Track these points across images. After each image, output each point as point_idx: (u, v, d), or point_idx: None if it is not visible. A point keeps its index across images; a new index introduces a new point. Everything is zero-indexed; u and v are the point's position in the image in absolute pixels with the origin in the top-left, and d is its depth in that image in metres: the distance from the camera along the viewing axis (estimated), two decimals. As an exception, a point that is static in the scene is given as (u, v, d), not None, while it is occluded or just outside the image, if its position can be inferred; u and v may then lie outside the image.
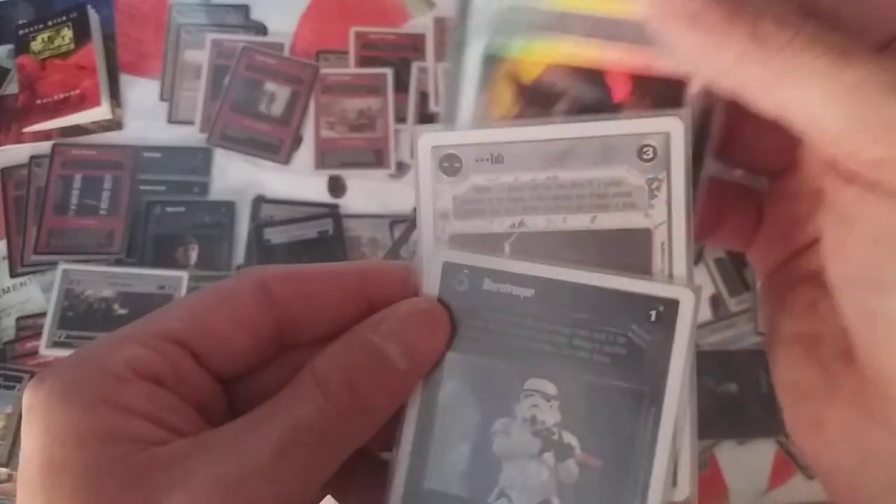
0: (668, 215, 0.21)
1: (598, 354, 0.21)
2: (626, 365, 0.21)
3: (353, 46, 0.68)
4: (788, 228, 0.23)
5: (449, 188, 0.23)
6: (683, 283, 0.21)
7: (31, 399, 0.19)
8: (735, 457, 0.57)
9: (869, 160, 0.18)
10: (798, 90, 0.18)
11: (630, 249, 0.21)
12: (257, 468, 0.18)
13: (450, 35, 0.23)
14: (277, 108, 0.66)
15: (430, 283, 0.22)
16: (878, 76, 0.17)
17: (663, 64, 0.21)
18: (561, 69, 0.22)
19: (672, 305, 0.21)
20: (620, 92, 0.22)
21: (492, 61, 0.22)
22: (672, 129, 0.21)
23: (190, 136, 0.65)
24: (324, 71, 0.67)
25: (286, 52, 0.68)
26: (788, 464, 0.57)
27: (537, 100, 0.22)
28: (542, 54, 0.22)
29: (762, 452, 0.57)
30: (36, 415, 0.19)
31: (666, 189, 0.21)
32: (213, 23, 0.69)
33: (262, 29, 0.69)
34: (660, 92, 0.21)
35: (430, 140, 0.23)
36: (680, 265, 0.21)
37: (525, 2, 0.22)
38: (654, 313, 0.21)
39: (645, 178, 0.21)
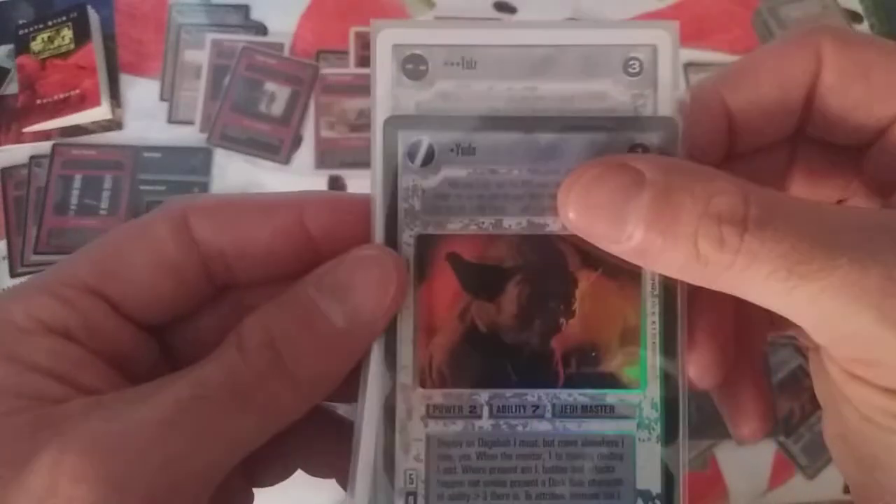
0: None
1: None
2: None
3: (353, 46, 0.68)
4: None
5: (412, 94, 0.20)
6: (661, 27, 0.19)
7: None
8: (735, 457, 0.57)
9: (842, 358, 0.18)
10: (760, 301, 0.17)
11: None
12: (145, 424, 0.17)
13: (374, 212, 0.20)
14: (277, 108, 0.66)
15: (381, 79, 0.19)
16: (834, 285, 0.16)
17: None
18: (506, 242, 0.20)
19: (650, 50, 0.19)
20: (574, 263, 0.20)
21: (428, 243, 0.20)
22: (659, 41, 0.19)
23: (190, 136, 0.65)
24: (324, 71, 0.67)
25: (286, 52, 0.68)
26: (788, 464, 0.57)
27: (486, 282, 0.20)
28: (481, 228, 0.20)
29: (762, 452, 0.57)
30: None
31: (651, 107, 0.20)
32: (213, 23, 0.69)
33: (262, 29, 0.69)
34: (611, 260, 0.19)
35: (391, 37, 0.19)
36: None
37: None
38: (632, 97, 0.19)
39: (630, 93, 0.20)
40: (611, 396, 0.20)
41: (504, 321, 0.20)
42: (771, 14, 0.70)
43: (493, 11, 0.70)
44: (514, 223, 0.20)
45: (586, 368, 0.20)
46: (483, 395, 0.20)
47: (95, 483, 0.16)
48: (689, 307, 0.20)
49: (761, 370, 0.23)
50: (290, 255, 0.20)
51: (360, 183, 0.64)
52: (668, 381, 0.20)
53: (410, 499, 0.19)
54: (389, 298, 0.19)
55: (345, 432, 0.20)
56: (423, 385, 0.20)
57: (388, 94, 0.20)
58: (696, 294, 0.20)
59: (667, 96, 0.19)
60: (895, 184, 0.20)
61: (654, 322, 0.20)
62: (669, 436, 0.20)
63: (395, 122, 0.19)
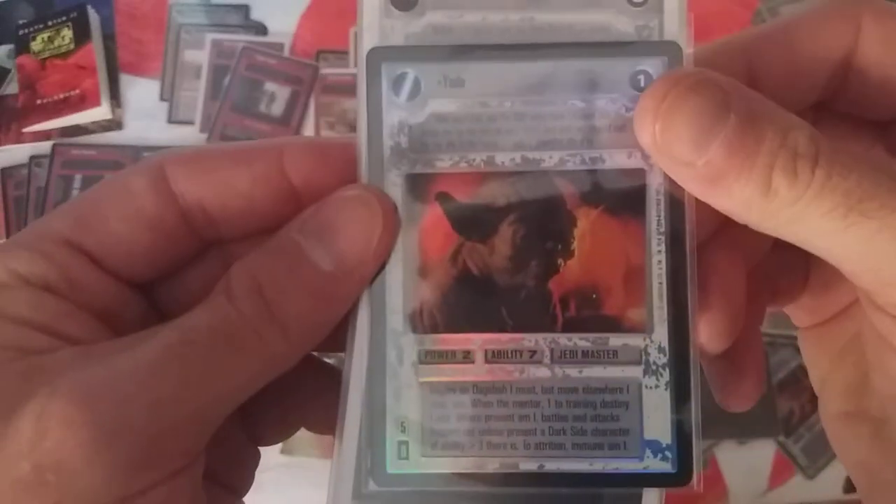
0: None
1: None
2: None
3: (353, 46, 0.68)
4: (835, 285, 0.22)
5: (400, 25, 0.18)
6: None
7: None
8: (735, 457, 0.57)
9: (891, 303, 0.18)
10: (811, 240, 0.17)
11: None
12: (134, 370, 0.16)
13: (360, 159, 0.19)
14: (277, 108, 0.66)
15: (367, 18, 0.18)
16: (893, 225, 0.16)
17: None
18: (499, 180, 0.18)
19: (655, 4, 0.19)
20: (573, 200, 0.19)
21: (417, 182, 0.19)
22: None
23: (190, 136, 0.65)
24: (324, 71, 0.67)
25: (286, 52, 0.68)
26: (788, 464, 0.57)
27: (478, 222, 0.19)
28: (472, 165, 0.18)
29: (762, 452, 0.57)
30: None
31: (656, 35, 0.19)
32: (213, 23, 0.69)
33: (262, 29, 0.69)
34: (617, 191, 0.18)
35: None
36: None
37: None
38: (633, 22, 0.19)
39: (634, 24, 0.18)
40: (614, 340, 0.18)
41: (498, 263, 0.19)
42: (771, 14, 0.70)
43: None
44: (507, 159, 0.18)
45: (587, 311, 0.19)
46: (477, 340, 0.19)
47: (84, 426, 0.15)
48: (702, 269, 0.19)
49: (759, 340, 0.23)
50: (271, 204, 0.19)
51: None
52: (676, 323, 0.18)
53: (402, 448, 0.18)
54: (376, 240, 0.18)
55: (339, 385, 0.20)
56: (414, 330, 0.19)
57: (374, 24, 0.18)
58: (710, 255, 0.19)
59: (672, 20, 0.18)
60: None
61: (659, 262, 0.18)
62: (681, 383, 0.18)
63: (378, 54, 0.18)
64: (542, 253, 0.19)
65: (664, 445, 0.18)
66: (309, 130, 0.65)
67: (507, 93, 0.18)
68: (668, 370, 0.18)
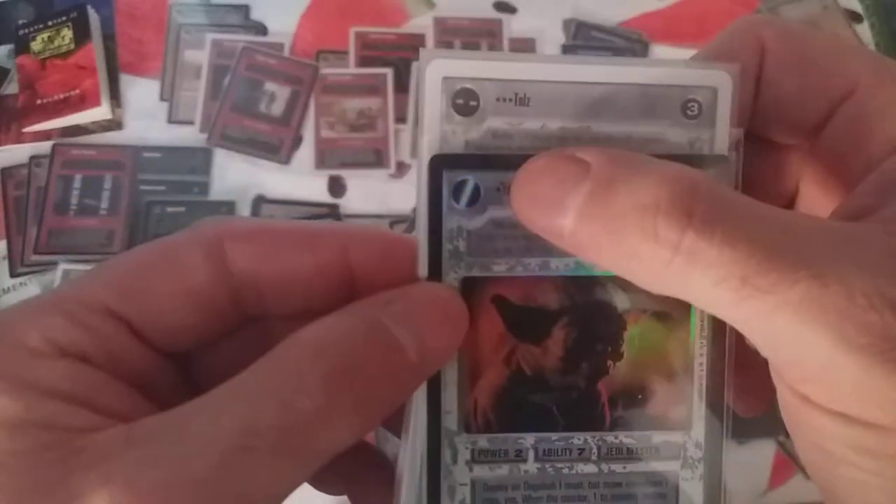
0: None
1: None
2: None
3: (353, 46, 0.68)
4: None
5: (461, 130, 0.19)
6: (723, 68, 0.18)
7: None
8: (735, 457, 0.56)
9: (793, 378, 0.16)
10: (708, 310, 0.17)
11: None
12: (191, 475, 0.15)
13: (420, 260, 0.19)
14: (277, 108, 0.66)
15: (430, 113, 0.18)
16: (791, 301, 0.15)
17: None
18: (552, 284, 0.19)
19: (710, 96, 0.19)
20: (622, 305, 0.19)
21: (474, 285, 0.19)
22: (720, 84, 0.19)
23: (190, 136, 0.65)
24: (324, 71, 0.67)
25: (286, 52, 0.68)
26: (788, 464, 0.57)
27: (532, 325, 0.19)
28: (529, 271, 0.19)
29: (762, 452, 0.57)
30: None
31: (708, 149, 0.19)
32: (213, 23, 0.69)
33: (262, 29, 0.69)
34: (661, 302, 0.19)
35: (441, 68, 0.18)
36: None
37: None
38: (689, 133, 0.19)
39: (687, 136, 0.19)
40: (656, 437, 0.20)
41: (550, 364, 0.19)
42: (771, 14, 0.70)
43: (493, 11, 0.71)
44: (560, 264, 0.19)
45: (633, 410, 0.20)
46: (529, 439, 0.19)
47: None
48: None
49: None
50: (327, 291, 0.19)
51: (359, 182, 0.64)
52: (711, 420, 0.19)
53: None
54: (459, 334, 0.18)
55: (362, 450, 0.20)
56: (468, 430, 0.19)
57: (436, 129, 0.19)
58: None
59: (724, 135, 0.19)
60: (841, 181, 0.19)
61: (701, 364, 0.19)
62: (712, 473, 0.20)
63: (441, 161, 0.18)
64: (593, 355, 0.19)
65: None
66: (309, 130, 0.66)
67: None
68: (702, 463, 0.19)
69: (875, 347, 0.14)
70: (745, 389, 0.21)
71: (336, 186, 0.64)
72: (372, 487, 0.21)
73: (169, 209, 0.63)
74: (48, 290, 0.18)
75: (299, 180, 0.64)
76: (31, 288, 0.62)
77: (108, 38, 0.68)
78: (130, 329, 0.18)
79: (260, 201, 0.64)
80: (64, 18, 0.67)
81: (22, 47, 0.67)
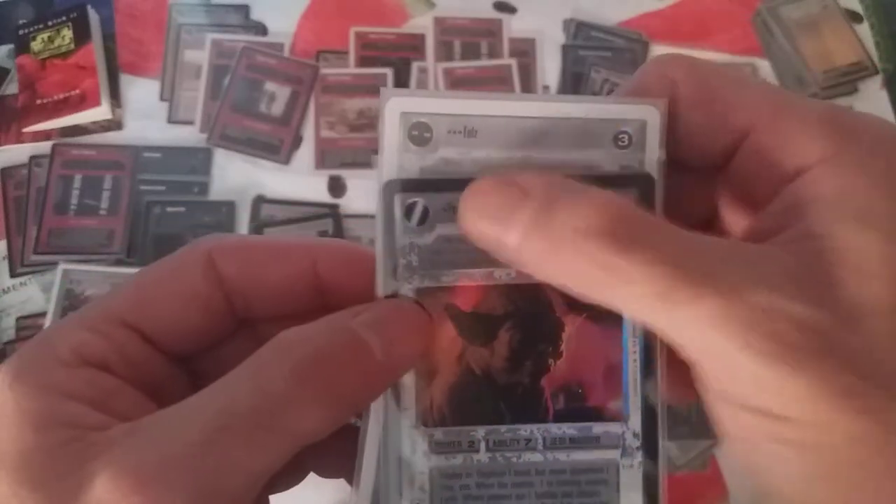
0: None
1: None
2: None
3: (353, 46, 0.68)
4: None
5: (416, 159, 0.21)
6: (651, 103, 0.21)
7: None
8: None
9: (711, 379, 0.19)
10: (639, 318, 0.19)
11: None
12: (179, 456, 0.17)
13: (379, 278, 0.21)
14: (277, 108, 0.66)
15: (388, 141, 0.21)
16: (701, 315, 0.17)
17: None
18: (496, 292, 0.21)
19: (640, 127, 0.21)
20: (560, 308, 0.21)
21: (427, 295, 0.21)
22: (648, 117, 0.21)
23: (190, 136, 0.65)
24: (324, 71, 0.67)
25: (286, 52, 0.68)
26: (788, 464, 0.57)
27: (480, 329, 0.21)
28: (475, 281, 0.21)
29: (762, 452, 0.57)
30: None
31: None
32: (213, 23, 0.69)
33: (262, 29, 0.69)
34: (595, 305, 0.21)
35: (399, 105, 0.21)
36: None
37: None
38: (619, 144, 0.21)
39: (619, 165, 0.21)
40: (596, 428, 0.21)
41: (497, 364, 0.21)
42: (771, 14, 0.70)
43: (493, 11, 0.71)
44: (503, 274, 0.21)
45: (573, 404, 0.22)
46: (480, 431, 0.21)
47: None
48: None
49: None
50: (301, 295, 0.22)
51: (359, 183, 0.64)
52: (648, 411, 0.21)
53: None
54: (422, 340, 0.21)
55: (353, 434, 0.21)
56: (425, 424, 0.21)
57: (394, 158, 0.21)
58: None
59: (652, 162, 0.21)
60: (750, 206, 0.21)
61: (634, 360, 0.21)
62: (650, 460, 0.22)
63: (393, 186, 0.21)
64: (535, 354, 0.21)
65: None
66: (309, 130, 0.66)
67: None
68: (640, 451, 0.21)
69: (775, 352, 0.17)
70: (676, 382, 0.23)
71: (336, 186, 0.65)
72: None
73: (169, 209, 0.63)
74: (81, 308, 0.21)
75: (299, 180, 0.64)
76: (31, 288, 0.62)
77: (108, 38, 0.68)
78: (142, 336, 0.21)
79: (260, 201, 0.64)
80: (64, 18, 0.67)
81: (22, 47, 0.67)
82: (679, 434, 0.56)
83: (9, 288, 0.62)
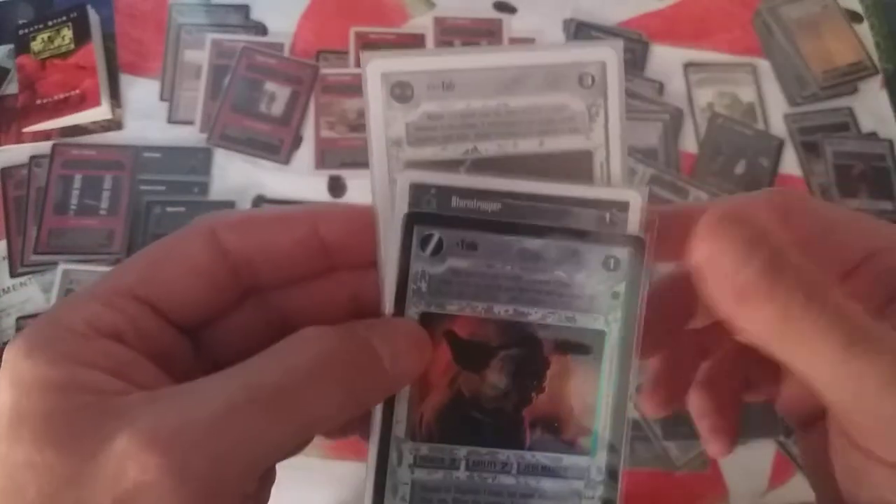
0: (605, 137, 0.23)
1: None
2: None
3: (353, 46, 0.68)
4: (808, 394, 0.23)
5: (401, 115, 0.23)
6: (633, 188, 0.23)
7: (4, 357, 0.20)
8: (735, 457, 0.56)
9: (862, 434, 0.20)
10: (812, 367, 0.20)
11: (574, 169, 0.23)
12: (201, 419, 0.18)
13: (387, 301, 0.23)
14: (277, 108, 0.66)
15: (399, 206, 0.22)
16: (876, 367, 0.18)
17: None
18: (494, 325, 0.23)
19: (623, 207, 0.23)
20: (549, 347, 0.23)
21: (430, 320, 0.23)
22: (607, 58, 0.23)
23: (190, 136, 0.65)
24: (324, 71, 0.67)
25: (286, 52, 0.68)
26: (788, 464, 0.57)
27: (474, 357, 0.23)
28: (476, 313, 0.23)
29: (762, 452, 0.57)
30: (6, 372, 0.19)
31: (603, 113, 0.23)
32: (213, 23, 0.69)
33: (262, 29, 0.69)
34: (582, 346, 0.23)
35: (379, 66, 0.22)
36: (617, 182, 0.23)
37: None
38: (608, 215, 0.23)
39: (585, 103, 0.23)
40: (566, 460, 0.23)
41: (485, 391, 0.23)
42: (771, 14, 0.70)
43: (493, 11, 0.71)
44: (503, 310, 0.23)
45: (548, 436, 0.23)
46: (462, 451, 0.23)
47: (157, 469, 0.18)
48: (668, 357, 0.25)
49: (736, 416, 0.29)
50: (306, 260, 0.23)
51: (359, 182, 0.64)
52: (612, 451, 0.23)
53: None
54: (423, 360, 0.22)
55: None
56: (413, 438, 0.23)
57: (379, 116, 0.23)
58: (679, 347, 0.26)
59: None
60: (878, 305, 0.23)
61: (607, 403, 0.23)
62: (610, 491, 0.23)
63: (413, 218, 0.22)
64: (521, 387, 0.23)
65: None
66: (309, 130, 0.66)
67: (508, 260, 0.23)
68: (602, 486, 0.23)
69: None
70: (712, 441, 0.28)
71: (336, 186, 0.65)
72: None
73: (169, 209, 0.63)
74: (85, 286, 0.22)
75: (299, 180, 0.64)
76: (31, 288, 0.62)
77: (108, 38, 0.68)
78: (153, 309, 0.21)
79: (260, 201, 0.64)
80: (64, 18, 0.67)
81: (22, 47, 0.67)
82: (679, 434, 0.56)
83: (9, 288, 0.62)
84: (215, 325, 0.23)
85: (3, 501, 0.18)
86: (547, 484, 0.23)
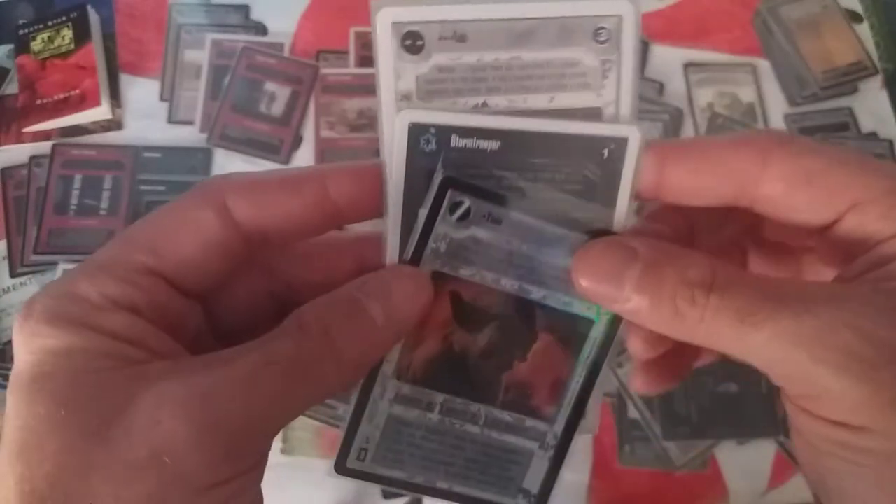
0: (616, 95, 0.23)
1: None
2: (582, 197, 0.23)
3: (353, 46, 0.68)
4: None
5: (411, 67, 0.22)
6: (629, 122, 0.23)
7: (21, 324, 0.20)
8: (735, 457, 0.57)
9: (792, 395, 0.21)
10: (725, 348, 0.21)
11: None
12: (229, 383, 0.20)
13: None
14: (277, 108, 0.66)
15: (398, 146, 0.22)
16: (777, 333, 0.19)
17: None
18: (496, 295, 0.24)
19: (622, 143, 0.23)
20: (540, 325, 0.25)
21: (439, 278, 0.23)
22: (624, 12, 0.22)
23: (190, 136, 0.65)
24: (324, 71, 0.67)
25: (286, 52, 0.68)
26: (788, 464, 0.57)
27: (471, 319, 0.24)
28: (483, 280, 0.24)
29: (762, 452, 0.57)
30: (26, 336, 0.20)
31: (616, 71, 0.23)
32: (213, 23, 0.69)
33: (262, 29, 0.69)
34: (570, 329, 0.25)
35: (390, 15, 0.22)
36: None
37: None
38: (606, 151, 0.23)
39: (599, 59, 0.23)
40: (529, 422, 0.25)
41: (474, 350, 0.24)
42: (771, 14, 0.70)
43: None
44: (508, 284, 0.24)
45: (519, 399, 0.25)
46: (439, 397, 0.25)
47: (190, 421, 0.19)
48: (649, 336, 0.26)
49: (675, 364, 0.29)
50: (319, 222, 0.23)
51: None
52: (570, 423, 0.25)
53: (362, 453, 0.25)
54: (420, 307, 0.23)
55: None
56: (398, 378, 0.24)
57: (389, 69, 0.22)
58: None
59: (629, 57, 0.22)
60: (846, 260, 0.23)
61: (577, 382, 0.25)
62: (558, 458, 0.26)
63: (449, 182, 0.22)
64: (506, 353, 0.25)
65: (532, 494, 0.26)
66: (309, 130, 0.66)
67: (527, 241, 0.23)
68: (553, 450, 0.26)
69: (840, 364, 0.19)
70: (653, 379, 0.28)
71: (336, 186, 0.65)
72: None
73: (169, 209, 0.63)
74: (92, 256, 0.22)
75: (299, 180, 0.64)
76: (31, 288, 0.62)
77: (108, 38, 0.68)
78: (166, 281, 0.22)
79: (260, 201, 0.64)
80: (64, 18, 0.67)
81: (22, 47, 0.67)
82: (679, 434, 0.56)
83: (9, 288, 0.62)
84: (222, 290, 0.24)
85: (22, 455, 0.19)
86: (507, 438, 0.25)
